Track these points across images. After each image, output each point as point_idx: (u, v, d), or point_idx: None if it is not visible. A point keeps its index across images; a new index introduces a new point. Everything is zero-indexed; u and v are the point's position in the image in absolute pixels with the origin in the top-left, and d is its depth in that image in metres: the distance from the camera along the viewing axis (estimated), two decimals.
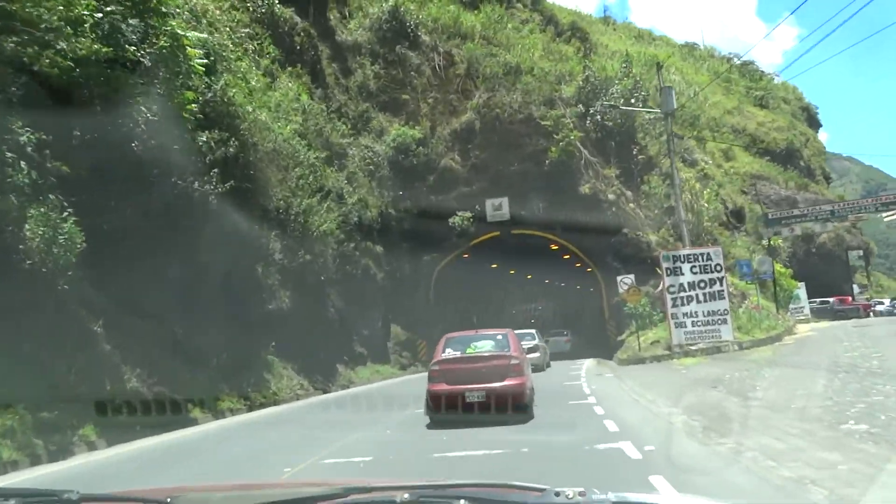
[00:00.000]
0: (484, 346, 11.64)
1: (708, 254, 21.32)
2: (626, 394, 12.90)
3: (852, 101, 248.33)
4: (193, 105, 14.47)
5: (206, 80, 15.48)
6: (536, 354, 20.77)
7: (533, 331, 24.20)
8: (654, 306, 25.43)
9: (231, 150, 15.11)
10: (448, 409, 10.24)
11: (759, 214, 41.50)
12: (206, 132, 14.96)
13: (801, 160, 61.85)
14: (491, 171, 31.18)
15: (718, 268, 20.99)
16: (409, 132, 31.53)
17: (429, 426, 10.44)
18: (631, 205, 29.91)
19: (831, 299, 41.59)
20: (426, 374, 11.61)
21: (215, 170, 14.78)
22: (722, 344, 20.35)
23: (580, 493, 1.90)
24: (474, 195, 30.99)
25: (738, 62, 69.76)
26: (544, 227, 30.16)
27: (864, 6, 23.64)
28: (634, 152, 31.43)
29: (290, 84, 24.93)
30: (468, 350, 11.43)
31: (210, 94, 15.56)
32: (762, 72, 76.86)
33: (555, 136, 30.28)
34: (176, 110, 14.25)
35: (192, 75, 14.28)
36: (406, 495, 1.98)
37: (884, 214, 31.79)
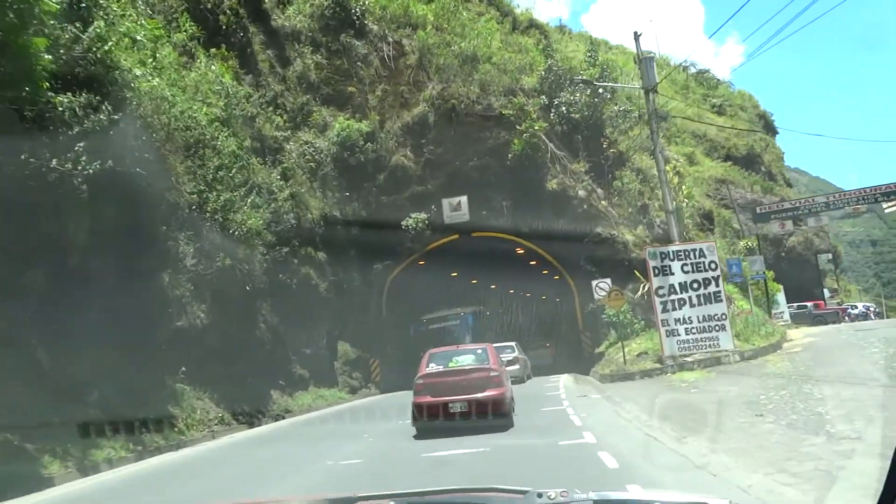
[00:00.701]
0: (465, 360, 12.27)
1: (700, 250, 18.39)
2: (635, 427, 9.48)
3: (800, 111, 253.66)
4: (49, 58, 10.88)
5: (72, 29, 11.88)
6: (516, 367, 21.48)
7: (513, 344, 24.31)
8: (634, 313, 22.59)
9: (103, 118, 11.48)
10: (432, 420, 11.02)
11: (732, 215, 39.40)
12: (69, 94, 11.33)
13: (762, 165, 61.01)
14: (448, 168, 27.96)
15: (713, 265, 18.08)
16: (355, 125, 28.17)
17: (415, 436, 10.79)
18: (603, 202, 27.01)
19: (809, 304, 39.83)
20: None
21: (81, 144, 11.15)
22: (721, 354, 17.33)
23: (562, 493, 1.97)
24: (430, 194, 27.73)
25: (695, 70, 68.83)
26: (509, 228, 27.00)
27: (807, 7, 21.52)
28: (604, 146, 28.63)
29: (211, 65, 21.30)
30: (450, 364, 12.11)
31: (79, 49, 11.95)
32: (718, 80, 76.14)
33: (517, 128, 27.26)
34: (23, 64, 10.65)
35: (44, 17, 10.69)
36: (392, 503, 2.08)
37: (884, 204, 29.55)
